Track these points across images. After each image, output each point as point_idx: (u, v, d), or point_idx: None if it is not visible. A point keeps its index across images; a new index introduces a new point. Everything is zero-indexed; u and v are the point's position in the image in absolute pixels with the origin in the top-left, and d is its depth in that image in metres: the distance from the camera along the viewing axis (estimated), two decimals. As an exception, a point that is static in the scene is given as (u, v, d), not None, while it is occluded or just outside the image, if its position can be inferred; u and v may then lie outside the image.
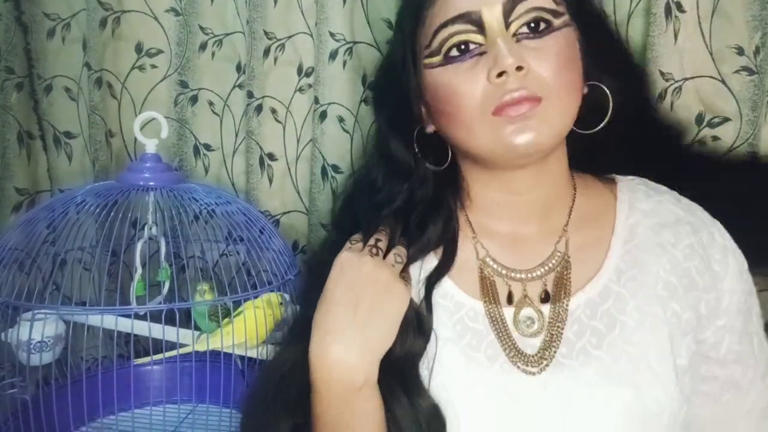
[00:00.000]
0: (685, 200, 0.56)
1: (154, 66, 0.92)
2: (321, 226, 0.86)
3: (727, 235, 0.54)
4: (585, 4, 0.54)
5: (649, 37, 0.69)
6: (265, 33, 0.85)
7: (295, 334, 0.53)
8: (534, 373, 0.49)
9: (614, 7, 0.72)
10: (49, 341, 0.75)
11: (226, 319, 0.72)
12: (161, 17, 0.90)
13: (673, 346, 0.49)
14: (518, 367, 0.49)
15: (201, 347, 0.72)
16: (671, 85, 0.70)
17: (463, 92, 0.48)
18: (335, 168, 0.85)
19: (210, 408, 0.78)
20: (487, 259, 0.54)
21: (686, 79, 0.70)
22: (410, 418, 0.48)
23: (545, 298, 0.52)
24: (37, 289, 0.68)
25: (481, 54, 0.48)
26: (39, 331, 0.72)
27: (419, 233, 0.54)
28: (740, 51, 0.68)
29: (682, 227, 0.53)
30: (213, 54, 0.91)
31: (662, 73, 0.69)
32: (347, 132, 0.84)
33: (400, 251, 0.52)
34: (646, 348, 0.49)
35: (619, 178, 0.58)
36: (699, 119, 0.71)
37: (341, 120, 0.84)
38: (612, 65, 0.54)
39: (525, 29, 0.48)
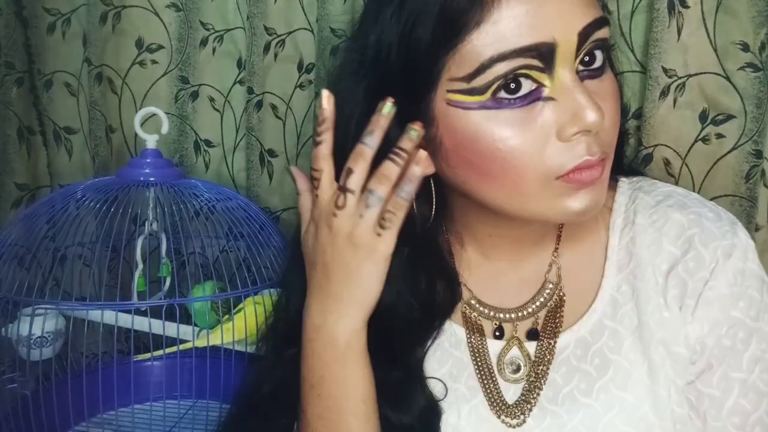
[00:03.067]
0: (695, 203, 0.45)
1: (154, 61, 0.91)
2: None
3: (737, 252, 0.43)
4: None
5: (651, 33, 0.69)
6: (266, 29, 0.85)
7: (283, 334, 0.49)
8: (512, 426, 0.45)
9: (617, 3, 0.72)
10: (49, 336, 0.75)
11: (227, 316, 0.72)
12: (162, 12, 0.90)
13: (671, 391, 0.43)
14: (496, 414, 0.45)
15: (201, 344, 0.71)
16: (674, 81, 0.69)
17: (522, 151, 0.37)
18: (336, 164, 0.84)
19: (210, 404, 0.78)
20: (472, 301, 0.48)
21: (690, 75, 0.69)
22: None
23: (533, 335, 0.46)
24: (37, 285, 0.68)
25: (547, 98, 0.38)
26: (39, 327, 0.72)
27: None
28: (745, 47, 0.67)
29: (681, 243, 0.44)
30: (214, 50, 0.91)
31: (665, 70, 0.69)
32: (348, 128, 0.84)
33: (379, 180, 0.40)
34: (641, 394, 0.43)
35: (622, 182, 0.49)
36: (703, 116, 0.70)
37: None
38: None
39: (582, 65, 0.39)
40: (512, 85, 0.37)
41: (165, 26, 0.90)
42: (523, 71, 0.37)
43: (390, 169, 0.40)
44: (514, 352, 0.46)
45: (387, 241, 0.41)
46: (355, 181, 0.40)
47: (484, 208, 0.43)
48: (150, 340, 0.69)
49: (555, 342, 0.45)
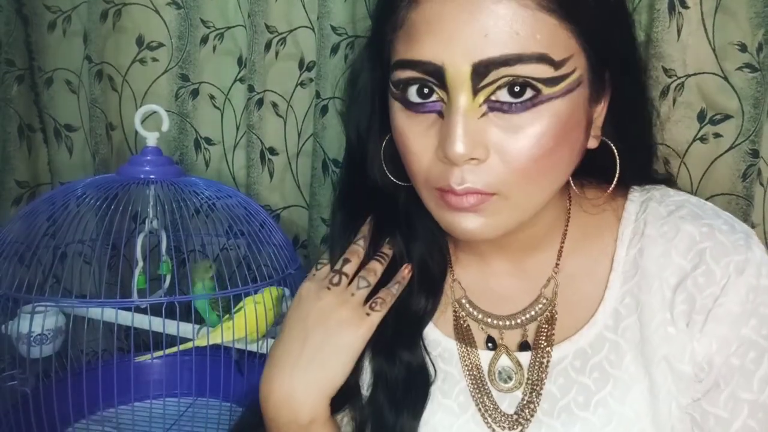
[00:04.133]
0: (709, 215, 0.43)
1: (155, 59, 0.91)
2: (321, 220, 0.87)
3: (750, 269, 0.40)
4: (623, 48, 0.41)
5: (652, 33, 0.69)
6: (267, 27, 0.85)
7: None
8: None
9: (617, 2, 0.72)
10: (49, 334, 0.75)
11: (227, 315, 0.72)
12: (162, 10, 0.90)
13: (672, 407, 0.41)
14: (489, 426, 0.44)
15: (201, 343, 0.71)
16: (674, 81, 0.70)
17: (413, 153, 0.40)
18: (336, 162, 0.85)
19: (210, 401, 0.78)
20: (463, 300, 0.48)
21: (689, 75, 0.70)
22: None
23: (524, 347, 0.45)
24: (38, 282, 0.68)
25: (441, 114, 0.38)
26: (39, 324, 0.72)
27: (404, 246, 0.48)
28: (743, 48, 0.68)
29: (691, 257, 0.42)
30: (214, 47, 0.91)
31: (665, 70, 0.69)
32: (348, 127, 0.84)
33: (369, 272, 0.47)
34: (641, 410, 0.41)
35: (633, 190, 0.46)
36: (701, 116, 0.71)
37: (343, 114, 0.84)
38: (632, 120, 0.44)
39: (502, 94, 0.37)
40: (425, 90, 0.39)
41: (165, 24, 0.90)
42: (421, 83, 0.38)
43: (376, 266, 0.48)
44: (504, 361, 0.46)
45: (373, 321, 0.46)
46: (349, 268, 0.47)
47: None
48: (150, 338, 0.69)
49: (548, 360, 0.44)
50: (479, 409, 0.45)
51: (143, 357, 0.72)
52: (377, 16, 0.44)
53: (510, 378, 0.45)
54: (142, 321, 0.71)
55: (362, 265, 0.48)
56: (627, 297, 0.43)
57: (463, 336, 0.47)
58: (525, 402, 0.44)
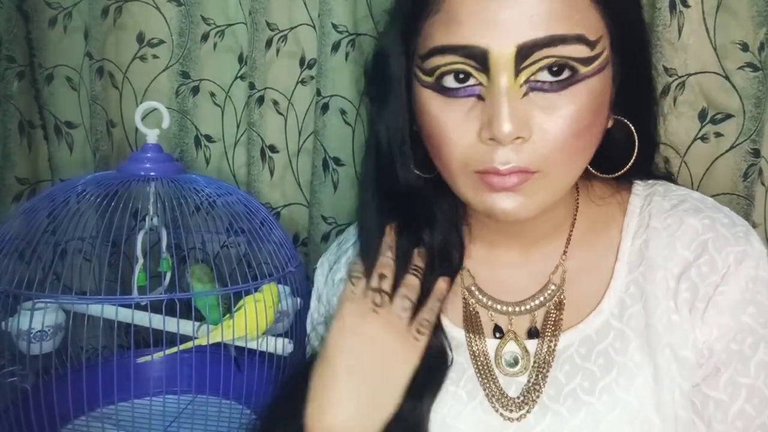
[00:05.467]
0: (710, 208, 0.46)
1: (155, 56, 0.91)
2: (322, 218, 0.87)
3: (749, 260, 0.42)
4: (636, 31, 0.43)
5: (653, 32, 0.69)
6: (268, 24, 0.85)
7: (293, 387, 0.48)
8: (513, 420, 0.44)
9: (619, 1, 0.72)
10: (49, 330, 0.75)
11: (227, 315, 0.72)
12: (163, 7, 0.90)
13: (676, 395, 0.42)
14: (497, 411, 0.45)
15: (202, 342, 0.71)
16: (675, 80, 0.70)
17: (449, 139, 0.40)
18: (336, 161, 0.85)
19: (210, 399, 0.78)
20: (473, 288, 0.49)
21: (690, 74, 0.69)
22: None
23: (532, 334, 0.46)
24: (38, 279, 0.68)
25: (480, 97, 0.39)
26: (39, 321, 0.72)
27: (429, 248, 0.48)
28: (744, 47, 0.68)
29: (694, 247, 0.44)
30: (215, 45, 0.91)
31: (666, 69, 0.69)
32: (349, 125, 0.84)
33: (410, 289, 0.46)
34: (645, 397, 0.42)
35: (637, 185, 0.49)
36: (702, 115, 0.71)
37: (343, 112, 0.84)
38: (642, 100, 0.46)
39: (542, 75, 0.38)
40: (461, 75, 0.40)
41: (166, 21, 0.90)
42: (462, 67, 0.39)
43: (414, 281, 0.47)
44: (511, 346, 0.47)
45: (421, 347, 0.45)
46: (388, 285, 0.46)
47: None
48: (150, 335, 0.69)
49: (555, 345, 0.45)
50: (486, 395, 0.46)
51: (144, 358, 0.72)
52: (405, 5, 0.44)
53: (516, 362, 0.46)
54: (142, 318, 0.71)
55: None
56: (632, 286, 0.45)
57: (472, 324, 0.48)
58: (531, 384, 0.45)
